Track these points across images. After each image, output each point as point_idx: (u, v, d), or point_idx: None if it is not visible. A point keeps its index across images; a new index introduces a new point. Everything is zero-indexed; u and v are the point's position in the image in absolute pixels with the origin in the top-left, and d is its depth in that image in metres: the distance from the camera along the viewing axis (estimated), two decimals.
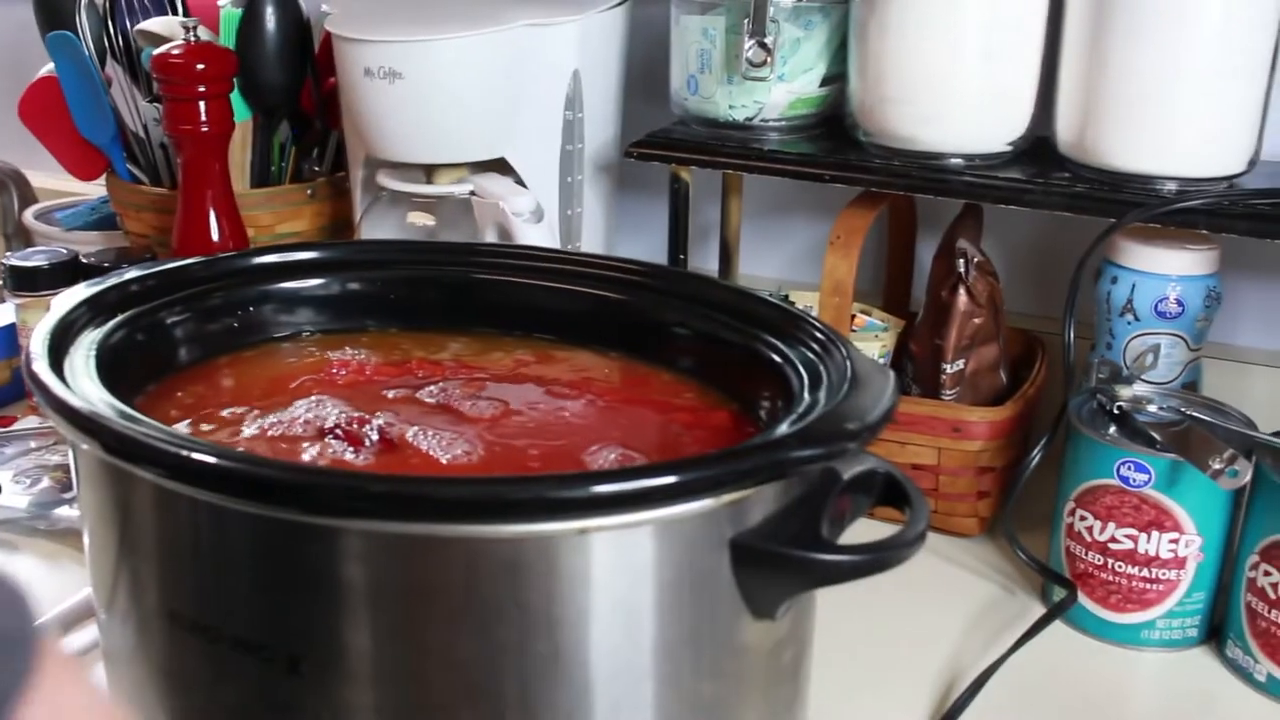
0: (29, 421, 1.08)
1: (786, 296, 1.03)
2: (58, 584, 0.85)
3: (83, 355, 0.61)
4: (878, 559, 0.53)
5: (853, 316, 0.99)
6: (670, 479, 0.49)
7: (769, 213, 1.17)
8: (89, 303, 0.66)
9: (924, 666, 0.80)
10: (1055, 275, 1.08)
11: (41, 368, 0.58)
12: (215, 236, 1.05)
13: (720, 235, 1.11)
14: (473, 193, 1.01)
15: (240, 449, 0.60)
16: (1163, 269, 0.90)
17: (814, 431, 0.54)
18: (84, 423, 0.55)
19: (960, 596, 0.88)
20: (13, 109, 1.25)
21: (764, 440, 0.54)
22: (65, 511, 0.92)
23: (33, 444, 1.03)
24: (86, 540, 0.61)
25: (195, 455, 0.51)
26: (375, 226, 1.09)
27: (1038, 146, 0.95)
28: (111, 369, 0.61)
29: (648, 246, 1.16)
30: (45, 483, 0.97)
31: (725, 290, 0.71)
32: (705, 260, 1.16)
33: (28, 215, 1.38)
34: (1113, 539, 0.81)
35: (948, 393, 0.94)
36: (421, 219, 1.09)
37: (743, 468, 0.51)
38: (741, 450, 0.53)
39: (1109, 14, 0.86)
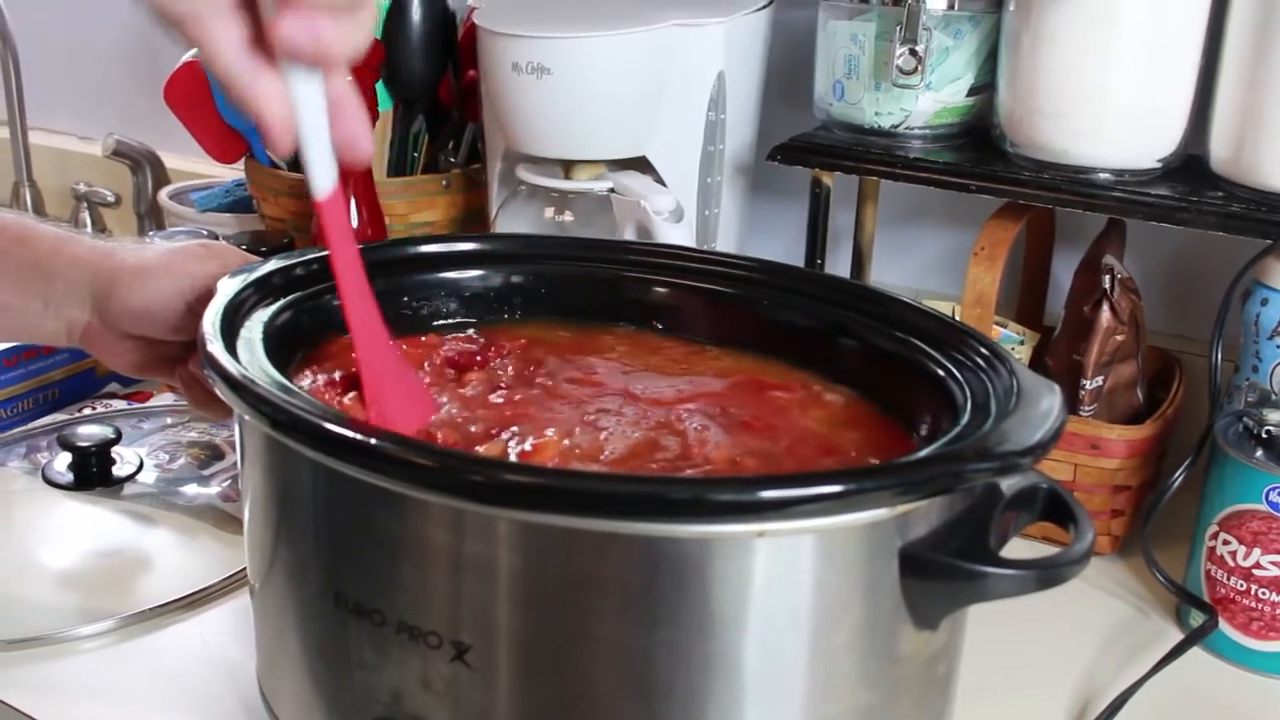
0: (164, 398, 1.10)
1: None
2: (194, 559, 0.87)
3: (253, 335, 0.62)
4: (1046, 574, 0.53)
5: None
6: (847, 486, 0.49)
7: (901, 221, 1.16)
8: (256, 284, 0.67)
9: (1058, 685, 0.79)
10: (1193, 294, 1.06)
11: (217, 349, 0.59)
12: (355, 223, 1.07)
13: (854, 241, 1.10)
14: (612, 190, 1.01)
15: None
16: None
17: (988, 446, 0.53)
18: (255, 400, 0.55)
19: (1093, 616, 0.86)
20: (150, 93, 1.28)
21: (940, 452, 0.53)
22: (202, 488, 0.94)
23: (169, 420, 1.05)
24: (247, 515, 0.62)
25: (368, 439, 0.52)
26: (512, 220, 1.10)
27: (1187, 164, 0.93)
28: (276, 348, 0.62)
29: (778, 249, 1.16)
30: (182, 459, 0.98)
31: (884, 300, 0.71)
32: (837, 266, 1.15)
33: (162, 195, 1.41)
34: (1258, 565, 0.79)
35: (1085, 409, 0.93)
36: (559, 215, 1.10)
37: (919, 478, 0.51)
38: (919, 461, 0.53)
39: (1273, 30, 0.84)
